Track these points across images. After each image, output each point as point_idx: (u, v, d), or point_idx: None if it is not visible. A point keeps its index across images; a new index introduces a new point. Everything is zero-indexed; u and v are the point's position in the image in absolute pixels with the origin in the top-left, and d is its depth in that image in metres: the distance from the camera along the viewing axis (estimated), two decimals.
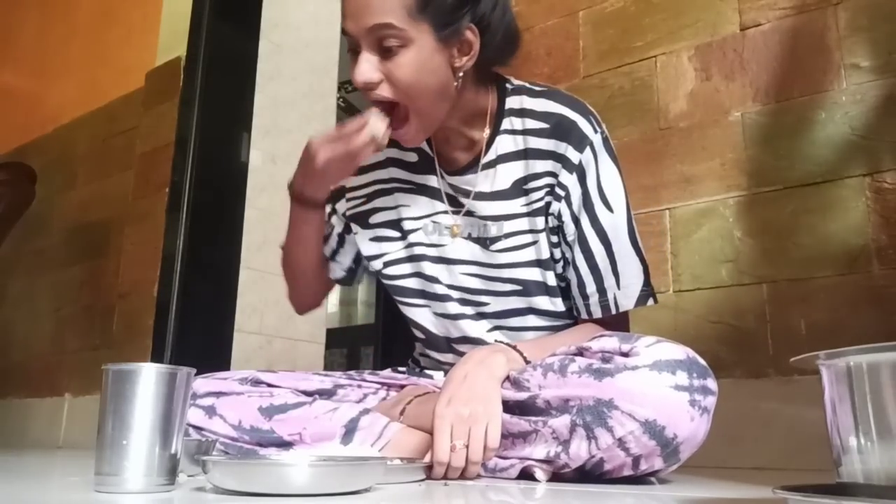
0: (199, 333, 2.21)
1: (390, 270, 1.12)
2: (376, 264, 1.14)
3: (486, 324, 1.08)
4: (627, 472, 0.83)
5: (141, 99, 2.59)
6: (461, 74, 0.95)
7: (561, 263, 1.03)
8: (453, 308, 1.08)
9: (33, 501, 0.65)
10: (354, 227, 1.15)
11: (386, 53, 0.89)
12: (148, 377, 0.69)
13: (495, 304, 1.06)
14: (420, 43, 0.89)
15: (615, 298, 1.00)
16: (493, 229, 1.04)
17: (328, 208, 1.17)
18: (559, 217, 1.01)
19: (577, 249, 1.01)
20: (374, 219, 1.14)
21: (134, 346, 2.27)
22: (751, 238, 1.38)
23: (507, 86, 1.05)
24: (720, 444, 1.00)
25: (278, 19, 2.73)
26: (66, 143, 2.88)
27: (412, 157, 1.12)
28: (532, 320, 1.06)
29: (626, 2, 1.64)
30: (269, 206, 2.59)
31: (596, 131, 1.00)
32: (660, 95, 1.54)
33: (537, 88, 1.05)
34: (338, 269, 1.21)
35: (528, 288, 1.03)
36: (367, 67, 0.90)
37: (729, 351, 1.33)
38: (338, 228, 1.19)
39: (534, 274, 1.03)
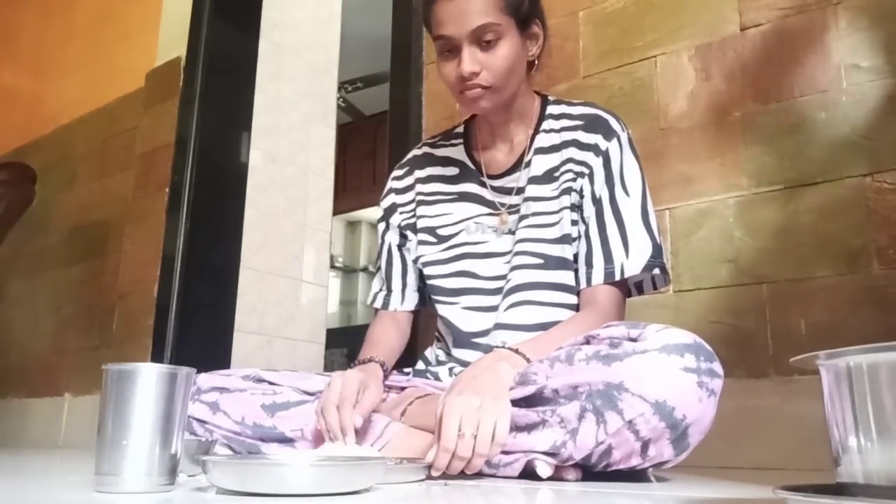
0: (199, 333, 2.21)
1: (429, 270, 1.22)
2: (418, 264, 1.25)
3: (505, 303, 1.11)
4: (635, 460, 0.83)
5: (141, 99, 2.59)
6: (535, 62, 1.14)
7: (578, 240, 1.12)
8: (486, 301, 1.15)
9: (33, 501, 0.65)
10: (409, 234, 1.26)
11: (485, 47, 1.05)
12: (148, 377, 0.69)
13: (517, 278, 1.11)
14: (509, 36, 1.06)
15: (622, 267, 1.06)
16: (523, 209, 1.14)
17: (381, 226, 1.30)
18: (581, 192, 1.12)
19: (592, 223, 1.10)
20: (420, 224, 1.24)
21: (134, 346, 2.27)
22: (751, 238, 1.38)
23: (550, 98, 1.22)
24: (720, 444, 1.01)
25: (278, 19, 2.73)
26: (66, 143, 2.88)
27: (453, 171, 1.24)
28: (548, 295, 1.10)
29: (626, 2, 1.64)
30: (269, 206, 2.59)
31: (623, 130, 1.13)
32: (660, 95, 1.54)
33: (576, 101, 1.20)
34: (411, 295, 1.28)
35: (549, 262, 1.11)
36: (472, 61, 1.05)
37: (729, 351, 1.33)
38: (394, 241, 1.28)
39: (556, 250, 1.11)
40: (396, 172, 1.31)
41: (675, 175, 1.49)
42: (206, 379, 1.12)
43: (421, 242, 1.24)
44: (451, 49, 1.07)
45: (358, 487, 0.68)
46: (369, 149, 5.33)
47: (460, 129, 1.29)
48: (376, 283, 1.31)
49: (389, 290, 1.28)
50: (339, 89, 3.76)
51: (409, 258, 1.27)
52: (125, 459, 0.67)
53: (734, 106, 1.45)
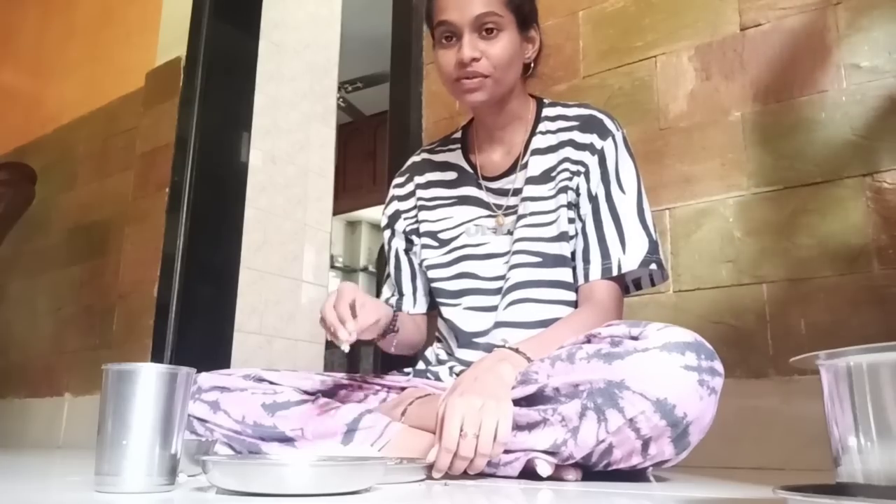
0: (199, 333, 2.21)
1: (433, 273, 1.23)
2: (423, 268, 1.26)
3: (504, 301, 1.12)
4: (636, 459, 0.84)
5: (141, 99, 2.59)
6: (531, 64, 1.16)
7: (575, 238, 1.13)
8: (488, 301, 1.15)
9: (33, 501, 0.65)
10: (414, 238, 1.28)
11: (486, 35, 1.08)
12: (148, 377, 0.69)
13: (515, 276, 1.12)
14: (510, 30, 1.09)
15: (619, 262, 1.07)
16: (521, 209, 1.15)
17: (387, 234, 1.32)
18: (577, 191, 1.13)
19: (588, 221, 1.11)
20: (422, 228, 1.26)
21: (134, 346, 2.28)
22: (751, 238, 1.38)
23: (545, 101, 1.23)
24: (720, 444, 1.01)
25: (278, 19, 2.73)
26: (66, 143, 2.88)
27: (451, 176, 1.26)
28: (546, 292, 1.11)
29: (626, 2, 1.64)
30: (269, 206, 2.59)
31: (618, 129, 1.15)
32: (660, 95, 1.54)
33: (571, 103, 1.22)
34: (422, 298, 1.29)
35: (547, 260, 1.12)
36: (472, 48, 1.07)
37: (729, 351, 1.33)
38: (401, 247, 1.30)
39: (554, 248, 1.12)
40: (397, 180, 1.33)
41: (675, 175, 1.49)
42: (207, 378, 1.13)
43: (424, 246, 1.25)
44: (451, 36, 1.09)
45: (358, 487, 0.68)
46: (369, 149, 5.33)
47: (457, 135, 1.31)
48: (387, 290, 1.32)
49: (401, 294, 1.29)
50: (339, 89, 3.76)
51: (416, 262, 1.28)
52: (125, 459, 0.67)
53: (734, 106, 1.45)
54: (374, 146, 5.28)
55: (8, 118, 3.29)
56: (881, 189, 1.26)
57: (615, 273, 1.07)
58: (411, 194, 1.30)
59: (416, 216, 1.28)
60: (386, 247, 1.33)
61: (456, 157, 1.27)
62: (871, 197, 1.27)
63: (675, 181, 1.48)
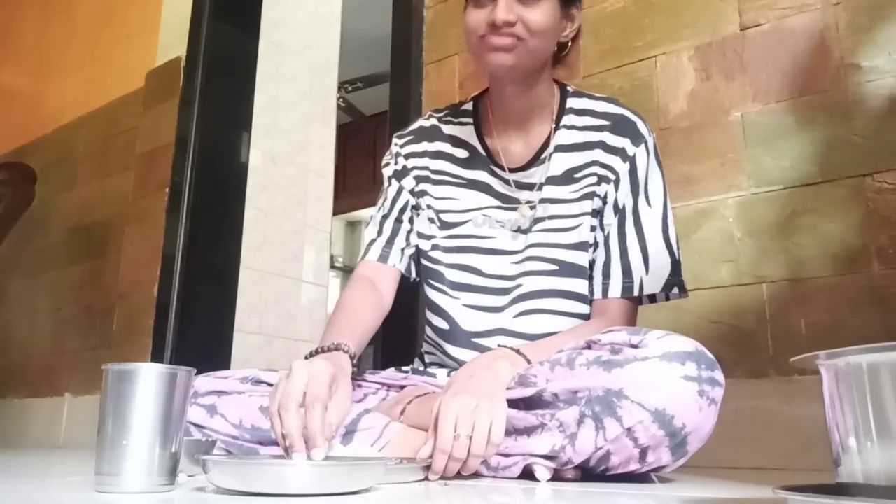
0: (199, 333, 2.21)
1: (434, 254, 1.15)
2: (425, 244, 1.17)
3: (514, 310, 1.08)
4: (634, 465, 0.83)
5: (141, 99, 2.59)
6: (566, 44, 1.09)
7: (594, 247, 1.08)
8: (489, 300, 1.10)
9: (33, 501, 0.65)
10: (421, 202, 1.17)
11: (526, 1, 0.99)
12: (148, 377, 0.69)
13: (528, 285, 1.08)
14: (551, 0, 1.01)
15: (640, 282, 1.04)
16: (540, 210, 1.09)
17: (392, 189, 1.17)
18: (604, 199, 1.07)
19: (612, 233, 1.07)
20: (423, 202, 1.17)
21: (134, 346, 2.28)
22: (751, 238, 1.38)
23: (569, 89, 1.15)
24: (720, 444, 1.00)
25: (278, 19, 2.74)
26: (66, 143, 2.88)
27: (463, 154, 1.16)
28: (561, 303, 1.08)
29: (626, 2, 1.64)
30: (269, 206, 2.59)
31: (650, 134, 1.09)
32: (660, 95, 1.54)
33: (597, 95, 1.15)
34: (407, 261, 1.17)
35: (564, 269, 1.07)
36: (508, 9, 0.99)
37: (729, 351, 1.33)
38: (411, 202, 1.17)
39: (572, 256, 1.07)
40: (404, 139, 1.21)
41: (675, 175, 1.48)
42: (204, 383, 1.11)
43: (430, 220, 1.17)
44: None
45: (358, 487, 0.68)
46: (369, 149, 5.34)
47: (469, 107, 1.20)
48: (372, 231, 1.17)
49: (391, 243, 1.16)
50: (339, 89, 3.76)
51: (415, 227, 1.18)
52: (125, 459, 0.67)
53: (734, 106, 1.45)
54: (374, 146, 5.29)
55: (8, 118, 3.29)
56: (881, 189, 1.26)
57: (636, 293, 1.04)
58: (422, 155, 1.18)
59: (422, 183, 1.17)
60: (387, 200, 1.18)
61: (468, 133, 1.17)
62: (871, 197, 1.27)
63: (675, 181, 1.48)
